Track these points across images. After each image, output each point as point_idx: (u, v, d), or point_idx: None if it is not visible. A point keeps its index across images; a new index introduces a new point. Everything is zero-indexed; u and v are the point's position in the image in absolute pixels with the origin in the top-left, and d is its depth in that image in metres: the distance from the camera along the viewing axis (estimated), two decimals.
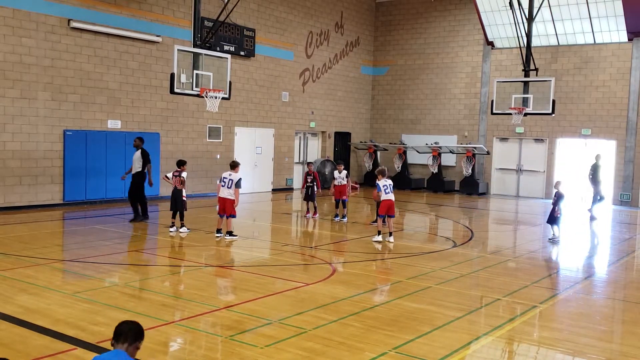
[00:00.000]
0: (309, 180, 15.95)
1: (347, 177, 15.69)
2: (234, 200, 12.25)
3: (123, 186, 17.68)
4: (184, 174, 13.00)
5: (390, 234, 12.57)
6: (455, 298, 8.27)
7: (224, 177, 12.36)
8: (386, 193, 12.50)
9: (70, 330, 6.35)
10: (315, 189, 15.91)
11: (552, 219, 13.46)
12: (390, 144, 26.81)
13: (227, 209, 12.27)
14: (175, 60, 14.07)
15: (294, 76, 23.65)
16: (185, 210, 13.02)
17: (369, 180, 25.66)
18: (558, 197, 13.40)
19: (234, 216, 12.41)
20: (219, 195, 12.38)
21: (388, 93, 27.71)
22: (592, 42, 22.94)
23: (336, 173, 15.78)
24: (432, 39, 26.49)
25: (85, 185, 16.78)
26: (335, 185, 15.64)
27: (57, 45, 16.01)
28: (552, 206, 13.55)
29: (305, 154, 25.10)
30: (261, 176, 22.48)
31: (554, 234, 13.47)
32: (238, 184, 12.26)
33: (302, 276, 9.46)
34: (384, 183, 12.56)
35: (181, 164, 13.18)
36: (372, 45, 27.92)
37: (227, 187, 12.27)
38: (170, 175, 13.20)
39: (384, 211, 12.46)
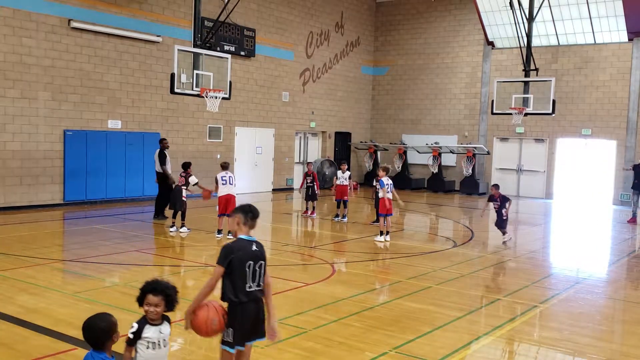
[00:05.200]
0: (308, 181, 15.99)
1: (349, 178, 15.71)
2: (235, 197, 12.35)
3: (123, 186, 17.72)
4: (191, 179, 12.95)
5: (387, 233, 12.64)
6: (456, 298, 8.27)
7: (222, 177, 12.38)
8: (387, 192, 12.61)
9: (71, 330, 6.35)
10: (316, 189, 15.95)
11: (502, 222, 12.87)
12: (390, 144, 26.81)
13: (229, 206, 12.27)
14: (176, 60, 14.08)
15: (294, 76, 23.65)
16: (184, 210, 13.02)
17: (369, 180, 25.64)
18: (503, 200, 12.81)
19: None
20: (220, 195, 12.38)
21: (388, 93, 27.71)
22: (593, 42, 22.94)
23: (339, 173, 15.80)
24: (432, 39, 26.48)
25: (85, 185, 16.78)
26: (337, 185, 15.66)
27: (58, 45, 16.01)
28: (498, 210, 12.81)
29: (305, 154, 25.10)
30: (261, 176, 22.48)
31: (505, 237, 12.89)
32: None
33: (302, 276, 9.46)
34: (388, 181, 12.65)
35: (187, 166, 13.25)
36: (372, 45, 27.92)
37: (230, 184, 12.32)
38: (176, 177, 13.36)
39: (385, 210, 12.51)
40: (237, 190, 12.64)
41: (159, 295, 3.89)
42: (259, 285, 4.51)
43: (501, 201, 12.86)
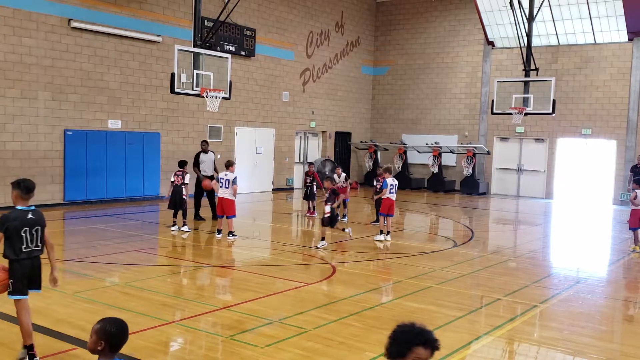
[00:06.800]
0: (308, 181, 16.04)
1: (346, 179, 15.77)
2: (232, 200, 12.30)
3: (123, 186, 17.72)
4: (187, 177, 13.05)
5: (388, 233, 12.64)
6: (456, 298, 8.27)
7: (220, 178, 12.41)
8: (390, 192, 12.59)
9: (71, 330, 6.36)
10: (315, 189, 15.99)
11: (334, 219, 11.75)
12: (390, 143, 26.80)
13: (225, 209, 12.29)
14: (176, 60, 14.07)
15: (294, 76, 23.65)
16: (185, 209, 13.01)
17: (369, 180, 25.63)
18: (332, 193, 11.78)
19: (234, 216, 12.44)
20: (218, 196, 12.42)
21: (388, 93, 27.70)
22: (593, 41, 22.93)
23: (336, 177, 15.85)
24: (432, 38, 26.48)
25: (85, 185, 16.78)
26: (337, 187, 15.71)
27: (58, 45, 16.01)
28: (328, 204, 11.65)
29: (305, 154, 25.10)
30: (261, 176, 22.47)
31: (322, 239, 11.77)
32: (234, 182, 12.37)
33: (302, 276, 9.47)
34: (392, 182, 12.64)
35: (183, 164, 13.28)
36: (372, 45, 27.91)
37: (225, 187, 12.31)
38: (173, 177, 13.30)
39: (386, 210, 12.51)
40: (237, 186, 12.53)
41: (429, 348, 2.81)
42: (37, 246, 5.56)
43: (330, 194, 11.77)
